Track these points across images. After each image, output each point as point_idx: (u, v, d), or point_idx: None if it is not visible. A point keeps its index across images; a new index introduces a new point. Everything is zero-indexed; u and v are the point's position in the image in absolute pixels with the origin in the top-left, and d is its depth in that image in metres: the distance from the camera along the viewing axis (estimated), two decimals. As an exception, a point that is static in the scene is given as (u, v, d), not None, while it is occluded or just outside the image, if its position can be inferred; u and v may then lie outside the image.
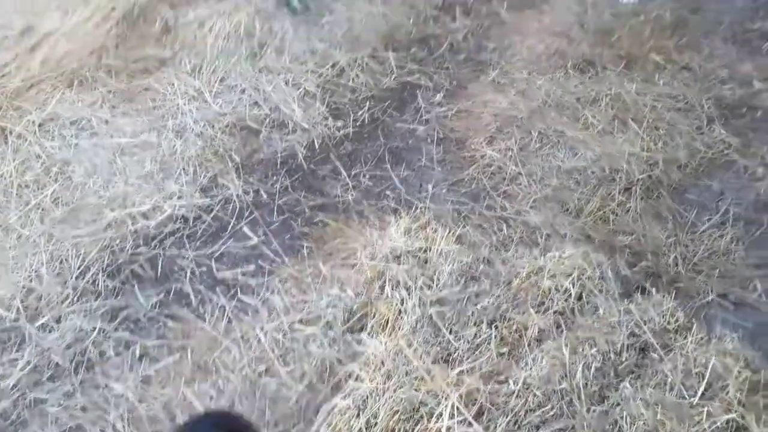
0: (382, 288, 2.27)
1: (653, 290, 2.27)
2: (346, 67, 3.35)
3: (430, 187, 2.82)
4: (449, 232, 2.45)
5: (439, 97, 3.22)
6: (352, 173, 2.88)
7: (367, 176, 2.87)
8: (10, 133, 2.87)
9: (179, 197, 2.70)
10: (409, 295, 2.21)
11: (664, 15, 3.57)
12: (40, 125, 2.92)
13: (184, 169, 2.83)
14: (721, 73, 3.29)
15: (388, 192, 2.80)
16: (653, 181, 2.82)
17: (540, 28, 3.53)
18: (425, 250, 2.37)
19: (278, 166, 2.91)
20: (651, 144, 2.95)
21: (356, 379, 2.03)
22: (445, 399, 1.90)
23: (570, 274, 2.25)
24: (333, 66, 3.34)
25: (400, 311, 2.19)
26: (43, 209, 2.66)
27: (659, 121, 3.06)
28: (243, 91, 3.15)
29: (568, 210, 2.72)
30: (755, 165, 2.89)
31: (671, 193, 2.81)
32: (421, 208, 2.68)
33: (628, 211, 2.71)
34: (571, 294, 2.22)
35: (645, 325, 2.11)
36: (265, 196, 2.77)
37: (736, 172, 2.89)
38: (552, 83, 3.25)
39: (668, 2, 3.64)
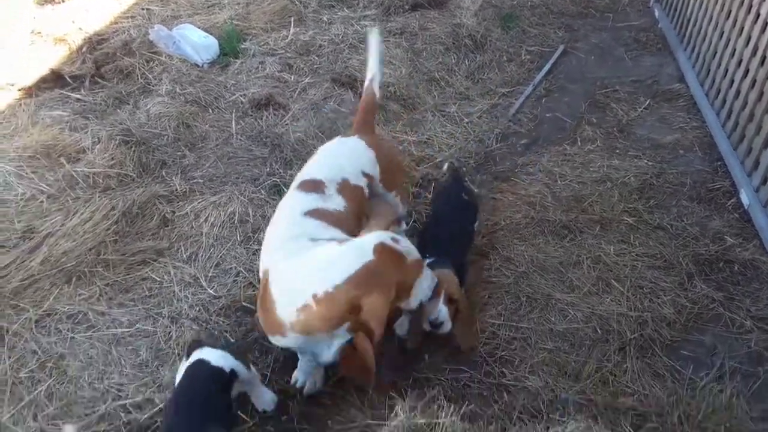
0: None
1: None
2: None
3: (426, 356, 2.84)
4: (452, 409, 2.40)
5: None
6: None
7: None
8: (7, 332, 2.89)
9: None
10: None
11: (629, 180, 3.84)
12: (36, 322, 2.94)
13: (179, 354, 2.82)
14: (693, 231, 3.47)
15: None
16: (645, 339, 2.87)
17: (515, 199, 3.75)
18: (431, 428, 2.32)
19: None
20: (637, 303, 3.04)
21: None
22: None
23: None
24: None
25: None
26: (36, 405, 2.62)
27: (642, 280, 3.17)
28: (238, 273, 3.24)
29: (566, 373, 2.73)
30: (742, 318, 2.97)
31: (665, 350, 2.85)
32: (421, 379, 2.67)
33: (625, 371, 2.73)
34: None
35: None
36: (260, 375, 2.75)
37: (724, 326, 2.95)
38: (534, 249, 3.39)
39: (632, 169, 3.93)
